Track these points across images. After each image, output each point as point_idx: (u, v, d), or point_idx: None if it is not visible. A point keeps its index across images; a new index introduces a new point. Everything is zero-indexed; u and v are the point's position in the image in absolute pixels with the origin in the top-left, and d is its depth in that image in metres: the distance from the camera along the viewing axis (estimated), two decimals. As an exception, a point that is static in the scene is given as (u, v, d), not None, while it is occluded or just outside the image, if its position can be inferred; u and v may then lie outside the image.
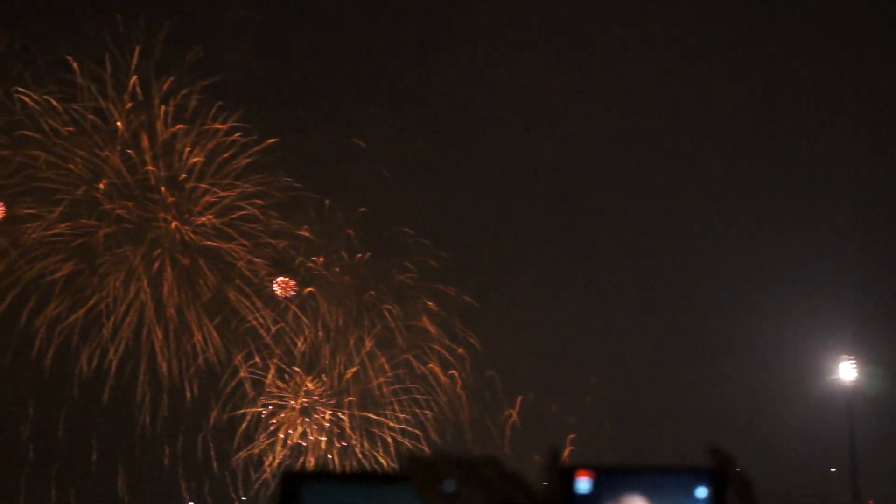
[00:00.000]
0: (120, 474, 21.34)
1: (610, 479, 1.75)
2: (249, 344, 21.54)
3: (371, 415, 21.94)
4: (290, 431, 21.95)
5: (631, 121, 20.68)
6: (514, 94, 20.85)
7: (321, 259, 21.67)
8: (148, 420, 21.15)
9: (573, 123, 21.13)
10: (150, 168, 20.92)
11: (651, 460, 1.79)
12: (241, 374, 21.48)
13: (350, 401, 21.92)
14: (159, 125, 20.79)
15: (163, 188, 20.99)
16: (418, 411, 21.98)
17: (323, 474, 1.77)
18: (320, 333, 21.78)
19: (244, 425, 21.61)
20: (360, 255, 21.64)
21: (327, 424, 21.95)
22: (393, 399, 21.92)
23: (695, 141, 21.37)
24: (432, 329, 21.76)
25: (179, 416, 21.32)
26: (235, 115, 20.80)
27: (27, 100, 20.25)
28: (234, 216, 21.15)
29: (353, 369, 21.79)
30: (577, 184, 21.69)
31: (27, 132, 20.26)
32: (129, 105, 20.64)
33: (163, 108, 20.73)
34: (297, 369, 21.80)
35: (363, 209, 21.44)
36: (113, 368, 20.83)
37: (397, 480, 1.69)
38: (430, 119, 21.56)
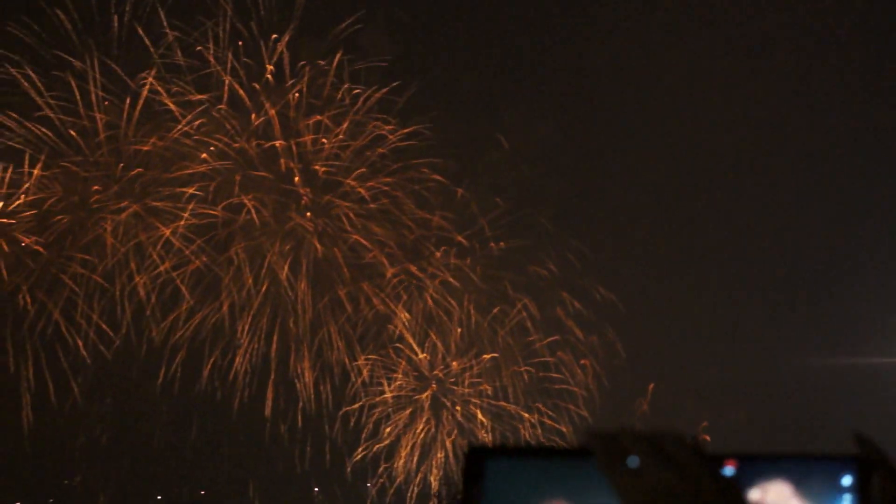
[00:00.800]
0: (251, 470, 21.32)
1: (754, 466, 1.62)
2: (381, 336, 21.36)
3: (503, 404, 21.75)
4: (420, 423, 21.78)
5: (780, 107, 20.20)
6: (658, 81, 20.35)
7: (454, 249, 21.38)
8: (280, 411, 21.06)
9: (715, 111, 20.68)
10: (283, 159, 20.57)
11: (792, 449, 1.66)
12: (371, 366, 21.30)
13: (482, 390, 21.73)
14: (293, 114, 20.42)
15: (297, 178, 20.63)
16: (550, 401, 21.83)
17: (506, 448, 1.67)
18: (453, 324, 21.54)
19: (375, 416, 21.47)
20: (493, 245, 21.32)
21: (458, 416, 21.78)
22: (525, 390, 21.74)
23: (838, 128, 20.92)
24: (566, 320, 21.49)
25: (311, 410, 21.18)
26: (371, 103, 20.44)
27: (160, 88, 19.89)
28: (369, 206, 20.84)
29: (487, 356, 21.57)
30: (719, 174, 21.28)
31: (162, 124, 19.97)
32: (262, 96, 20.28)
33: (297, 97, 20.35)
34: (425, 356, 21.58)
35: (498, 199, 21.11)
36: (247, 361, 20.67)
37: (580, 455, 1.58)
38: (570, 108, 21.10)
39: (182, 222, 20.21)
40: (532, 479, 1.62)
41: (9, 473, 20.91)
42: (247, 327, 20.64)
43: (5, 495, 21.18)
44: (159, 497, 22.03)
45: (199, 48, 19.86)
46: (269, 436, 21.02)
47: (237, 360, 20.57)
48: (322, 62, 20.20)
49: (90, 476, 20.91)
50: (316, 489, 22.05)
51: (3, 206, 19.38)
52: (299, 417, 20.98)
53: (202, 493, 22.07)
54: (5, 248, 19.20)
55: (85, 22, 19.41)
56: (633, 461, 1.49)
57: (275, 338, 20.77)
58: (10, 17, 19.19)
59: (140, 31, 19.55)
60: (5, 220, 19.46)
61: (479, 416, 21.70)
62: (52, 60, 19.44)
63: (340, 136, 20.56)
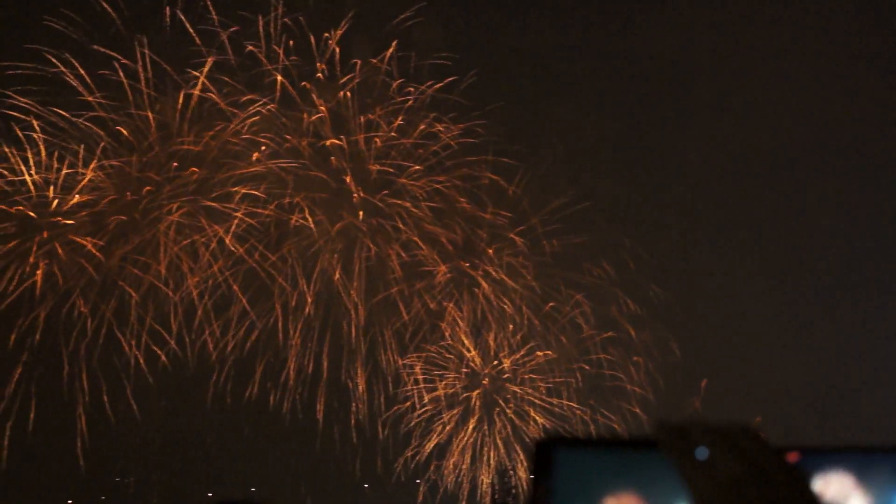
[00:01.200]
0: (303, 468, 21.31)
1: (815, 458, 1.65)
2: (433, 333, 21.24)
3: (556, 400, 21.64)
4: (471, 420, 21.71)
5: (844, 98, 19.86)
6: (712, 83, 20.04)
7: (506, 246, 21.20)
8: (332, 411, 21.01)
9: (770, 107, 20.36)
10: (335, 158, 20.38)
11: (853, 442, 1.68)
12: (423, 364, 21.21)
13: (535, 387, 21.63)
14: (345, 113, 20.21)
15: (348, 178, 20.44)
16: (603, 398, 21.73)
17: (576, 439, 1.67)
18: (506, 322, 21.40)
19: (427, 414, 21.40)
20: (546, 243, 21.15)
21: (510, 413, 21.68)
22: (577, 387, 21.63)
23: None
24: (620, 318, 21.33)
25: (363, 409, 21.12)
26: (423, 99, 20.24)
27: (212, 87, 19.68)
28: (422, 203, 20.66)
29: (540, 354, 21.45)
30: (773, 173, 21.00)
31: (214, 123, 19.78)
32: (314, 94, 20.05)
33: (349, 95, 20.12)
34: (477, 352, 21.46)
35: (551, 197, 20.92)
36: (299, 366, 20.58)
37: (649, 446, 1.58)
38: (624, 106, 20.82)
39: (235, 222, 20.06)
40: (601, 469, 1.62)
41: (62, 472, 20.92)
42: (299, 327, 20.54)
43: (58, 493, 21.22)
44: (210, 494, 22.03)
45: (250, 47, 19.65)
46: (321, 434, 20.98)
47: (290, 361, 20.48)
48: (374, 59, 19.99)
49: (143, 475, 20.92)
50: (366, 486, 22.02)
51: (58, 205, 19.24)
52: (351, 417, 20.92)
53: (252, 490, 22.06)
54: (60, 252, 19.09)
55: (134, 18, 19.19)
56: (702, 453, 1.49)
57: (327, 338, 20.66)
58: (52, 13, 18.94)
59: (191, 30, 19.34)
60: (59, 219, 19.32)
61: (532, 413, 21.60)
62: (100, 57, 19.22)
63: (393, 134, 20.37)
